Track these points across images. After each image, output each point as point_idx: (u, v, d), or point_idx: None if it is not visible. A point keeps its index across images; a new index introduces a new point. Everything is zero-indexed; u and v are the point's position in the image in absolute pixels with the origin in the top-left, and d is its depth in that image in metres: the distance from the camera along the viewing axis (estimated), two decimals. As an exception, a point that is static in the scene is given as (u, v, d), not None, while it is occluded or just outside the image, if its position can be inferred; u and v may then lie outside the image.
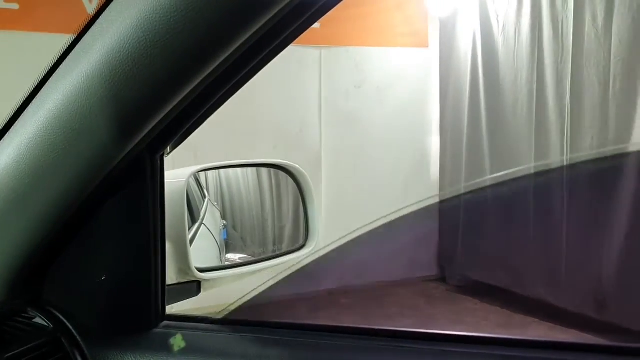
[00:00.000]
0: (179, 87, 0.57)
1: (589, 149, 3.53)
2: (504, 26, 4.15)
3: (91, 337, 0.70)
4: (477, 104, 4.38)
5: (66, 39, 0.59)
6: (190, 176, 1.18)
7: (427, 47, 4.78)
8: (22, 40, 3.45)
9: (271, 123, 4.26)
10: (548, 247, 3.83)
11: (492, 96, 4.25)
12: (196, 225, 1.37)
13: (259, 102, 3.81)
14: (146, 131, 0.61)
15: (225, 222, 1.82)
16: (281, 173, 1.35)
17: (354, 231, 3.05)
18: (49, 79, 0.61)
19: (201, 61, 0.55)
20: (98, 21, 0.57)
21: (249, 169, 1.84)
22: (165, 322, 0.75)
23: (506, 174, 4.20)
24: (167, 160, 0.74)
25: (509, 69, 4.11)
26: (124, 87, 0.56)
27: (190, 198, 1.26)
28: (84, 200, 0.66)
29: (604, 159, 3.63)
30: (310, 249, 1.23)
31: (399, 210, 3.95)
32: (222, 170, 1.70)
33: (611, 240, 3.37)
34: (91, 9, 3.52)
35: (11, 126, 0.65)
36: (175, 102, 0.59)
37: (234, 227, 1.91)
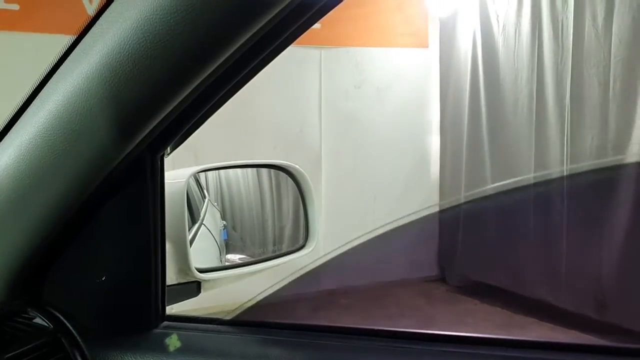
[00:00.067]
0: (179, 88, 0.57)
1: (588, 149, 3.53)
2: (504, 26, 4.15)
3: (91, 337, 0.70)
4: (477, 104, 4.38)
5: (66, 39, 0.59)
6: (190, 177, 1.18)
7: (427, 47, 4.77)
8: (22, 40, 3.44)
9: (271, 123, 4.25)
10: (548, 247, 3.83)
11: (492, 96, 4.25)
12: (196, 225, 1.37)
13: (259, 103, 3.80)
14: (146, 132, 0.61)
15: (225, 223, 1.81)
16: (281, 173, 1.35)
17: (356, 238, 3.06)
18: (49, 79, 0.61)
19: (201, 62, 0.55)
20: (98, 22, 0.57)
21: (249, 169, 1.84)
22: (165, 323, 0.75)
23: (506, 174, 4.19)
24: (167, 160, 0.74)
25: (509, 69, 4.11)
26: (124, 88, 0.56)
27: (190, 198, 1.26)
28: (84, 201, 0.66)
29: (604, 169, 3.63)
30: (310, 249, 1.23)
31: (401, 218, 3.98)
32: (222, 171, 1.70)
33: (611, 240, 3.37)
34: (91, 9, 3.52)
35: (11, 127, 0.65)
36: (175, 103, 0.59)
37: (234, 228, 1.91)
